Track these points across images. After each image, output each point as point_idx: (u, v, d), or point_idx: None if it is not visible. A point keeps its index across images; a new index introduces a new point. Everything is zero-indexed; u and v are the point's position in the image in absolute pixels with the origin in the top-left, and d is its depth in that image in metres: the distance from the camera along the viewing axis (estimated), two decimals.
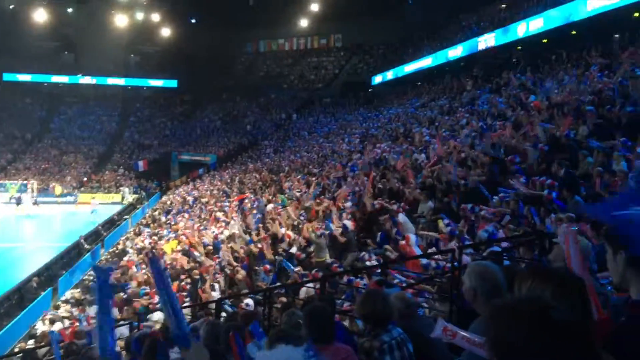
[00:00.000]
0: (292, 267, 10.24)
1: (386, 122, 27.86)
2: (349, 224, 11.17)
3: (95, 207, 32.79)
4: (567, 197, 8.00)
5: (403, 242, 9.07)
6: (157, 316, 10.79)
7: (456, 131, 16.76)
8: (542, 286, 1.78)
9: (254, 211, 17.49)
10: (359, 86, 44.09)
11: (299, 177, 20.55)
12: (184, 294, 12.34)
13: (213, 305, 9.45)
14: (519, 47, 26.78)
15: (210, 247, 15.12)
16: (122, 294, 14.21)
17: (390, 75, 40.05)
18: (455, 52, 31.78)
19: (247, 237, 14.30)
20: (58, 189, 39.37)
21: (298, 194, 17.06)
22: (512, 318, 1.21)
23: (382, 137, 23.08)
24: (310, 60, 53.17)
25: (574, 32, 23.00)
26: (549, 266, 2.63)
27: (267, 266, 11.26)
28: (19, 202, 33.87)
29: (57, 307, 16.69)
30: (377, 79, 42.23)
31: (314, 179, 18.94)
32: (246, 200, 19.84)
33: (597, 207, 1.08)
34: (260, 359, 2.53)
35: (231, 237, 15.41)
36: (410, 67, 37.12)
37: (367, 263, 8.70)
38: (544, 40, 25.08)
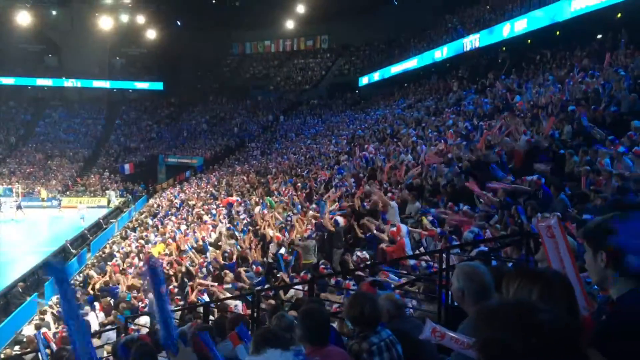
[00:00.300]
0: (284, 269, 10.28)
1: (373, 123, 27.92)
2: (340, 219, 11.17)
3: (83, 212, 32.50)
4: (553, 195, 8.07)
5: (394, 229, 9.07)
6: (144, 320, 10.73)
7: (442, 132, 16.85)
8: (529, 287, 1.79)
9: (242, 214, 17.47)
10: (346, 87, 44.19)
11: (284, 184, 20.37)
12: (178, 297, 12.28)
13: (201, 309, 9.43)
14: (504, 48, 26.98)
15: (199, 246, 15.09)
16: (108, 298, 14.09)
17: (376, 76, 40.15)
18: (441, 53, 31.93)
19: (233, 241, 14.27)
20: (43, 193, 39.01)
21: (286, 199, 16.99)
22: (499, 320, 1.22)
23: (369, 139, 23.13)
24: (296, 61, 53.15)
25: (558, 33, 23.21)
26: (535, 267, 2.65)
27: (260, 268, 11.24)
28: None
29: (43, 313, 16.51)
30: (364, 80, 42.32)
31: (300, 181, 18.96)
32: (234, 205, 19.80)
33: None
34: None
35: (218, 240, 15.37)
36: (396, 68, 37.23)
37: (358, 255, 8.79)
38: (529, 41, 25.28)
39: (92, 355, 2.87)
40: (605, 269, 1.81)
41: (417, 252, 8.72)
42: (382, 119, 27.90)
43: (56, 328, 12.90)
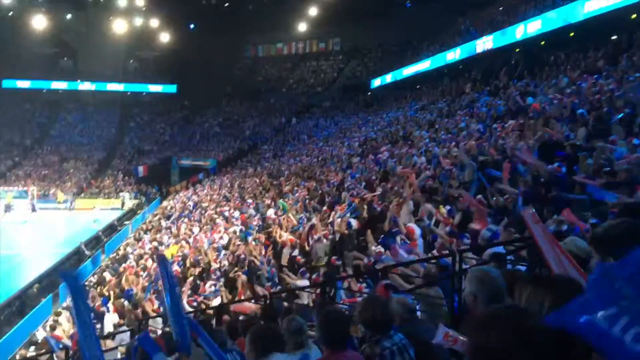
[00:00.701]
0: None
1: (385, 126, 27.90)
2: (354, 222, 11.17)
3: (97, 216, 32.78)
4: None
5: (411, 225, 9.04)
6: (160, 322, 10.79)
7: (455, 134, 16.78)
8: (541, 294, 1.78)
9: (254, 216, 17.52)
10: (358, 90, 44.20)
11: (298, 186, 20.35)
12: (192, 299, 12.33)
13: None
14: (517, 50, 26.83)
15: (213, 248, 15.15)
16: (122, 299, 14.18)
17: (389, 78, 40.11)
18: (454, 55, 31.84)
19: (244, 245, 14.31)
20: (60, 196, 39.34)
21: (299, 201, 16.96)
22: (492, 327, 1.22)
23: (381, 141, 23.11)
24: (309, 64, 53.27)
25: (572, 34, 23.05)
26: (548, 274, 2.64)
27: (273, 270, 11.28)
28: (7, 209, 33.87)
29: (57, 314, 16.66)
30: (376, 82, 42.30)
31: (313, 184, 18.97)
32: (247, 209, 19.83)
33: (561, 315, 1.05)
34: None
35: (230, 243, 15.42)
36: (408, 70, 37.18)
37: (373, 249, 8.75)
38: (542, 43, 25.13)
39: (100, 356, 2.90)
40: None
41: (430, 254, 8.68)
42: (394, 121, 27.87)
43: (72, 329, 13.01)
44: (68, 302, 16.07)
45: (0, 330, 16.07)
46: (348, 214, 11.90)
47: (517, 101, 16.59)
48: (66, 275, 2.97)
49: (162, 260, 3.68)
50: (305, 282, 9.43)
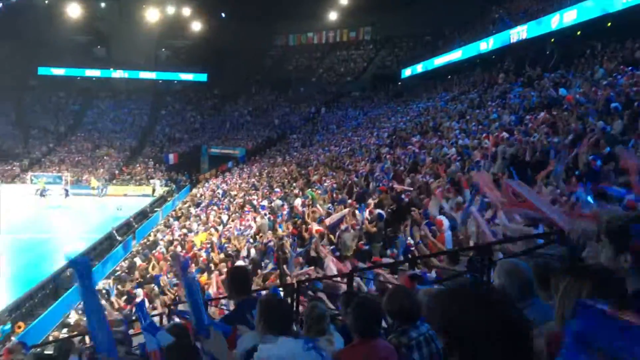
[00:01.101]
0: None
1: (415, 116, 27.66)
2: (384, 212, 11.11)
3: (121, 203, 33.42)
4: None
5: (440, 217, 8.92)
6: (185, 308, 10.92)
7: (487, 125, 16.55)
8: (579, 284, 1.76)
9: (282, 206, 17.59)
10: (388, 79, 43.83)
11: (326, 176, 20.34)
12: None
13: None
14: (552, 40, 26.25)
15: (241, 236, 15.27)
16: (152, 285, 14.43)
17: (420, 68, 39.70)
18: (487, 44, 31.34)
19: (271, 234, 14.38)
20: (94, 182, 40.11)
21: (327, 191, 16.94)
22: (459, 301, 1.33)
23: (411, 132, 22.93)
24: (339, 53, 53.08)
25: (609, 24, 22.45)
26: (586, 264, 2.59)
27: (300, 258, 11.29)
28: (42, 194, 34.67)
29: None
30: (407, 72, 41.89)
31: (341, 174, 18.95)
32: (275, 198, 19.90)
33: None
34: (264, 352, 2.56)
35: (259, 231, 15.52)
36: (440, 60, 36.74)
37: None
38: (578, 33, 24.53)
39: (112, 348, 2.95)
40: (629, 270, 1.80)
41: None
42: (424, 112, 27.61)
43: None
44: (100, 285, 16.46)
45: (34, 312, 16.53)
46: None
47: (550, 92, 16.28)
48: (76, 262, 3.01)
49: (175, 255, 3.76)
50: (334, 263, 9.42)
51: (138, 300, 12.99)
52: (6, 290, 17.97)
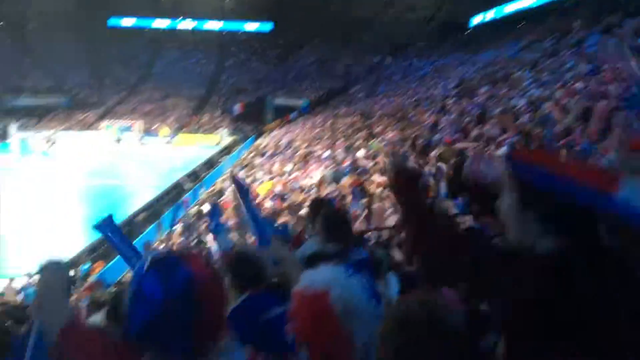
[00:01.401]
0: None
1: (484, 66, 26.72)
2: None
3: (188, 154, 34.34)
4: None
5: None
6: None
7: (560, 74, 15.79)
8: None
9: (345, 157, 17.63)
10: (457, 28, 42.30)
11: (389, 127, 20.15)
12: None
13: None
14: None
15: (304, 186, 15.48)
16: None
17: (490, 15, 38.08)
18: None
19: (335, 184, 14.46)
20: (164, 131, 41.30)
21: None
22: (410, 324, 1.27)
23: (478, 82, 22.21)
24: (406, 0, 51.46)
25: None
26: None
27: (358, 211, 11.35)
28: (118, 140, 36.12)
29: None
30: (476, 20, 40.30)
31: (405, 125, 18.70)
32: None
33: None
34: (307, 277, 2.65)
35: (322, 181, 15.66)
36: (510, 7, 35.09)
37: None
38: None
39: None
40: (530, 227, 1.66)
41: None
42: (493, 61, 26.60)
43: None
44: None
45: (109, 255, 17.51)
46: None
47: (631, 41, 15.28)
48: (99, 226, 3.24)
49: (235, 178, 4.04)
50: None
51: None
52: (84, 233, 19.08)
